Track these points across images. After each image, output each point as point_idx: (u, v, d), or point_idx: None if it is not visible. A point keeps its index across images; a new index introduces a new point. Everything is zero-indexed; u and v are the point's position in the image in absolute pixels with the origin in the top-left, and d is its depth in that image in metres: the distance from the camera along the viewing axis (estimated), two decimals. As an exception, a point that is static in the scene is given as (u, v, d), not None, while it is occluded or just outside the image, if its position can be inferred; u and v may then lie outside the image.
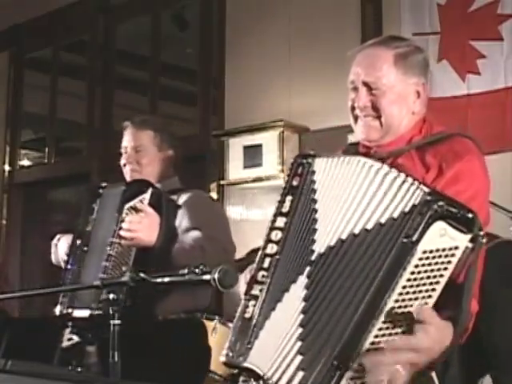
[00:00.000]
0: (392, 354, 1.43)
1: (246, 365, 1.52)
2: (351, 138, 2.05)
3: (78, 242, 2.71)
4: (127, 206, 2.59)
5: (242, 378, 1.62)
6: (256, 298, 1.58)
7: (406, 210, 1.51)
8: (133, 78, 6.07)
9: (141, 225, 2.52)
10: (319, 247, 1.57)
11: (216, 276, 1.68)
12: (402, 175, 1.54)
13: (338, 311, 1.50)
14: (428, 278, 1.46)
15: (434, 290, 1.46)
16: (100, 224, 2.68)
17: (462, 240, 1.46)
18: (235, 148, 4.36)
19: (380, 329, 1.45)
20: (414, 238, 1.47)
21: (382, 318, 1.45)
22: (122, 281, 1.86)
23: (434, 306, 1.48)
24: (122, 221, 2.54)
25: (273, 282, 1.58)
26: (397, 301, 1.45)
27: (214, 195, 4.60)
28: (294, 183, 1.67)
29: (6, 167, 6.18)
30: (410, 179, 1.53)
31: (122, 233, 2.52)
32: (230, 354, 1.55)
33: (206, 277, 1.71)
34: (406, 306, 1.46)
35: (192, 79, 5.21)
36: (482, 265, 1.64)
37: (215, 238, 2.62)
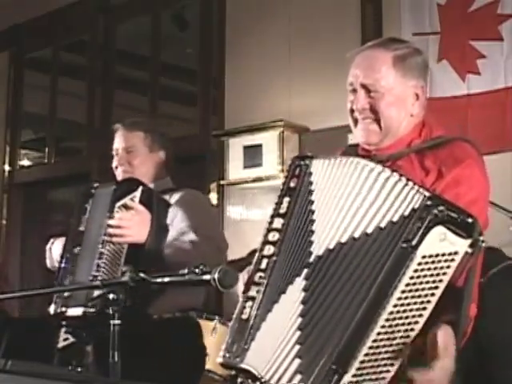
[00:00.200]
0: None
1: (242, 366, 1.52)
2: (351, 138, 2.05)
3: (72, 241, 2.73)
4: (118, 204, 2.62)
5: (239, 380, 1.62)
6: (253, 299, 1.58)
7: (406, 214, 1.50)
8: (133, 78, 6.07)
9: (131, 222, 2.56)
10: (317, 249, 1.56)
11: (216, 276, 1.68)
12: (403, 179, 1.54)
13: (336, 315, 1.49)
14: (427, 282, 1.45)
15: (432, 294, 1.46)
16: (92, 223, 2.70)
17: (462, 245, 1.45)
18: (235, 148, 4.36)
19: (378, 333, 1.45)
20: (414, 243, 1.46)
21: (381, 323, 1.45)
22: (122, 281, 1.86)
23: (433, 310, 1.47)
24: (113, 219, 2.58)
25: (270, 284, 1.58)
26: (395, 305, 1.45)
27: (213, 195, 4.61)
28: (292, 185, 1.67)
29: (6, 167, 6.18)
30: (410, 183, 1.53)
31: (112, 230, 2.56)
32: (227, 355, 1.55)
33: (206, 277, 1.71)
34: (404, 311, 1.46)
35: (192, 79, 5.21)
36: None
37: (209, 237, 2.66)
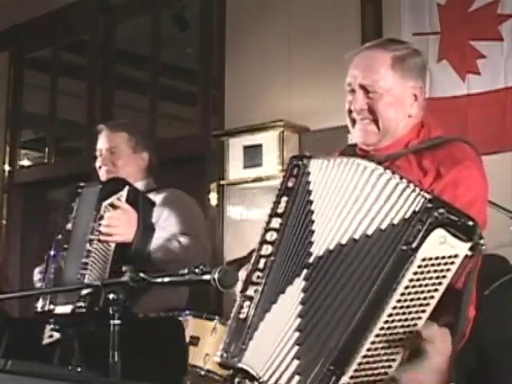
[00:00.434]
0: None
1: (240, 365, 1.52)
2: (351, 138, 2.05)
3: (60, 240, 2.76)
4: (105, 203, 2.65)
5: (237, 380, 1.62)
6: (251, 298, 1.58)
7: (407, 216, 1.50)
8: (133, 78, 6.06)
9: (119, 221, 2.60)
10: (317, 250, 1.56)
11: (216, 276, 1.67)
12: (404, 181, 1.53)
13: (335, 316, 1.49)
14: (427, 285, 1.45)
15: (432, 297, 1.45)
16: (79, 222, 2.73)
17: (462, 248, 1.45)
18: (235, 148, 4.36)
19: (377, 335, 1.45)
20: (414, 245, 1.46)
21: (380, 325, 1.45)
22: (122, 281, 1.86)
23: (433, 312, 1.47)
24: (101, 218, 2.62)
25: (268, 284, 1.58)
26: (395, 307, 1.45)
27: (213, 195, 4.61)
28: (290, 184, 1.67)
29: (6, 167, 6.18)
30: (411, 185, 1.52)
31: (101, 229, 2.59)
32: (225, 355, 1.55)
33: (206, 277, 1.71)
34: (404, 313, 1.45)
35: (192, 79, 5.20)
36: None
37: (194, 236, 2.71)
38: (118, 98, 5.62)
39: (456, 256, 1.45)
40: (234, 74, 4.69)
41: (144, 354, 2.45)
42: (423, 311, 1.46)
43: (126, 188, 2.67)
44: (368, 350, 1.44)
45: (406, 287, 1.44)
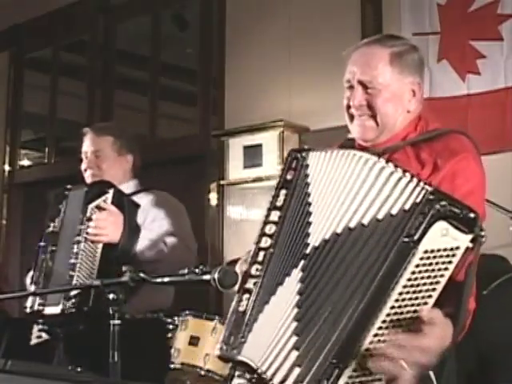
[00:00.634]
0: (398, 350, 1.42)
1: (239, 358, 1.52)
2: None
3: (47, 242, 2.82)
4: (91, 205, 2.72)
5: (237, 373, 1.62)
6: (250, 291, 1.57)
7: (406, 207, 1.49)
8: (133, 77, 6.06)
9: (106, 222, 2.67)
10: (314, 241, 1.56)
11: (216, 276, 1.68)
12: (402, 171, 1.53)
13: (336, 307, 1.48)
14: (428, 277, 1.45)
15: (434, 289, 1.46)
16: (66, 224, 2.80)
17: (464, 240, 1.45)
18: (235, 148, 4.36)
19: (380, 328, 1.45)
20: (416, 238, 1.46)
21: (382, 317, 1.45)
22: (121, 281, 1.87)
23: (434, 304, 1.47)
24: (88, 219, 2.69)
25: (267, 276, 1.58)
26: (397, 300, 1.45)
27: (213, 195, 4.61)
28: (288, 177, 1.67)
29: (6, 167, 6.18)
30: (409, 175, 1.52)
31: (88, 230, 2.66)
32: (224, 348, 1.55)
33: (206, 277, 1.71)
34: (406, 306, 1.45)
35: (192, 79, 5.21)
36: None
37: (180, 237, 2.79)
38: (118, 97, 5.62)
39: (458, 248, 1.45)
40: (234, 74, 4.69)
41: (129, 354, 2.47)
42: (425, 303, 1.46)
43: (112, 190, 2.74)
44: (370, 342, 1.44)
45: (409, 279, 1.44)
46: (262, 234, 1.63)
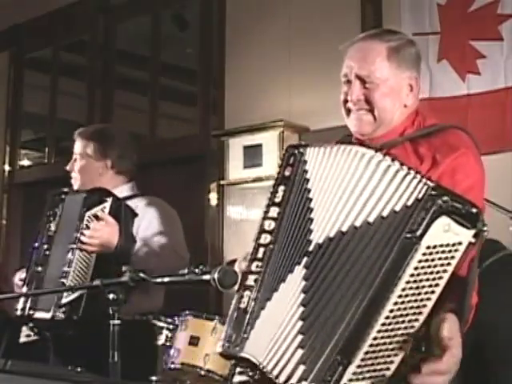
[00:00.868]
0: (415, 378, 1.42)
1: (242, 355, 1.51)
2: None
3: (40, 244, 2.80)
4: (89, 213, 2.70)
5: (238, 370, 1.62)
6: (251, 288, 1.56)
7: (409, 203, 1.49)
8: (133, 77, 6.06)
9: (101, 232, 2.66)
10: (317, 237, 1.54)
11: (216, 276, 1.68)
12: (405, 168, 1.53)
13: (340, 305, 1.48)
14: (431, 273, 1.45)
15: (437, 285, 1.45)
16: (62, 229, 2.78)
17: (466, 235, 1.45)
18: (235, 148, 4.37)
19: (383, 324, 1.45)
20: (418, 233, 1.46)
21: (386, 314, 1.45)
22: (121, 281, 1.87)
23: (437, 300, 1.46)
24: (86, 227, 2.68)
25: (268, 272, 1.56)
26: (400, 296, 1.45)
27: (213, 195, 4.61)
28: (286, 173, 1.65)
29: (6, 167, 6.18)
30: (412, 172, 1.52)
31: (83, 239, 2.66)
32: (226, 345, 1.54)
33: (206, 277, 1.71)
34: (409, 302, 1.45)
35: (192, 79, 5.21)
36: None
37: (172, 246, 2.81)
38: (118, 97, 5.62)
39: (460, 243, 1.45)
40: (234, 74, 4.69)
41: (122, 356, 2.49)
42: (428, 299, 1.46)
43: (110, 199, 2.73)
44: (374, 339, 1.44)
45: (411, 275, 1.44)
46: (262, 231, 1.63)
